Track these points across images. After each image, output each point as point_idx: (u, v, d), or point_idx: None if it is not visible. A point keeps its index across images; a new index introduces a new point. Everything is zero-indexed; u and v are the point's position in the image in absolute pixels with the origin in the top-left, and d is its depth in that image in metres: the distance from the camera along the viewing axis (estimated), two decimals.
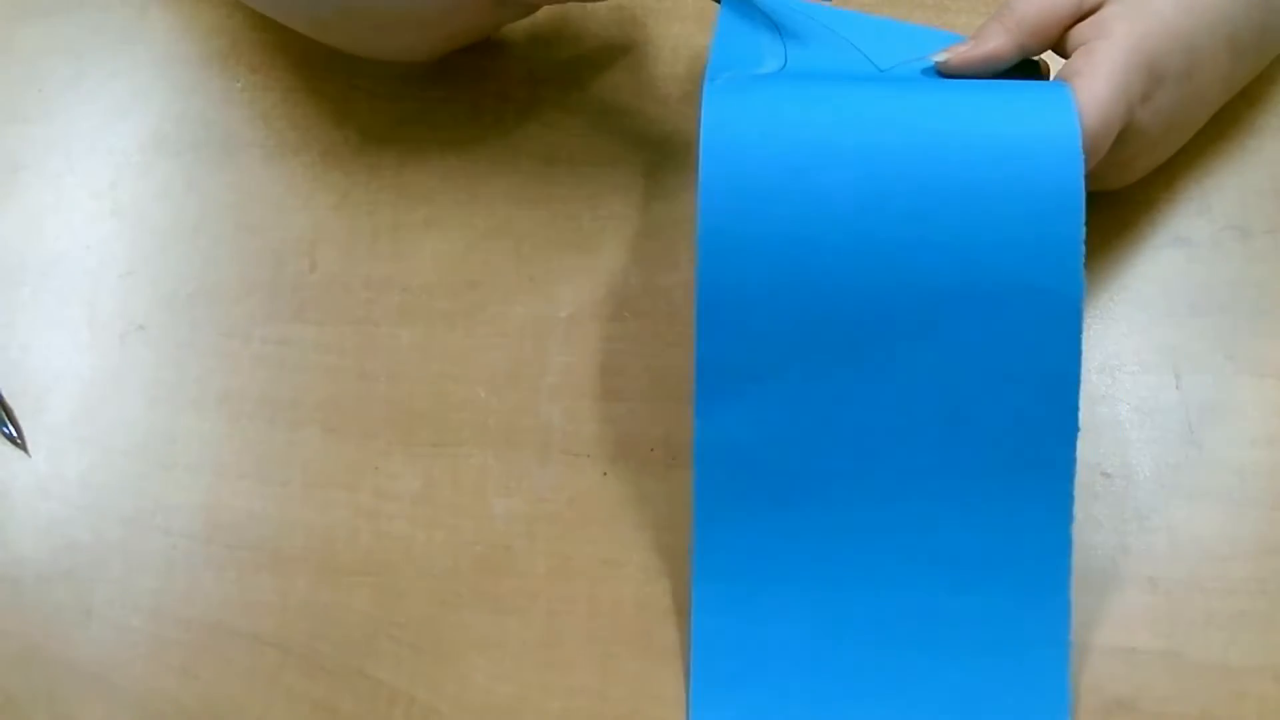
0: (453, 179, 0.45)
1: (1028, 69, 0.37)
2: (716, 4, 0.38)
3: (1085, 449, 0.38)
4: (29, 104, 0.48)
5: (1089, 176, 0.31)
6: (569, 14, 0.46)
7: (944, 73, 0.35)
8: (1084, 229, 0.31)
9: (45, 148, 0.47)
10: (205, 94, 0.47)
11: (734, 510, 0.34)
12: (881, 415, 0.33)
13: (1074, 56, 0.35)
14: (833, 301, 0.32)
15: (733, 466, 0.34)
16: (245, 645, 0.39)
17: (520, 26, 0.46)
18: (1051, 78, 0.36)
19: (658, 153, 0.44)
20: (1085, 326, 0.39)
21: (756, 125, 0.32)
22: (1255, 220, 0.40)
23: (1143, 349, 0.39)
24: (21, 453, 0.42)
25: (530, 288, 0.42)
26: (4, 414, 0.43)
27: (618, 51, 0.46)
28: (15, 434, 0.42)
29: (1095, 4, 0.35)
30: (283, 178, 0.45)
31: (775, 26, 0.37)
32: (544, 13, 0.46)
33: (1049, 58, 0.38)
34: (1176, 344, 0.39)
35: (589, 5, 0.39)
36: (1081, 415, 0.38)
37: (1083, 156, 0.31)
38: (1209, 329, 0.39)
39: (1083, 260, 0.31)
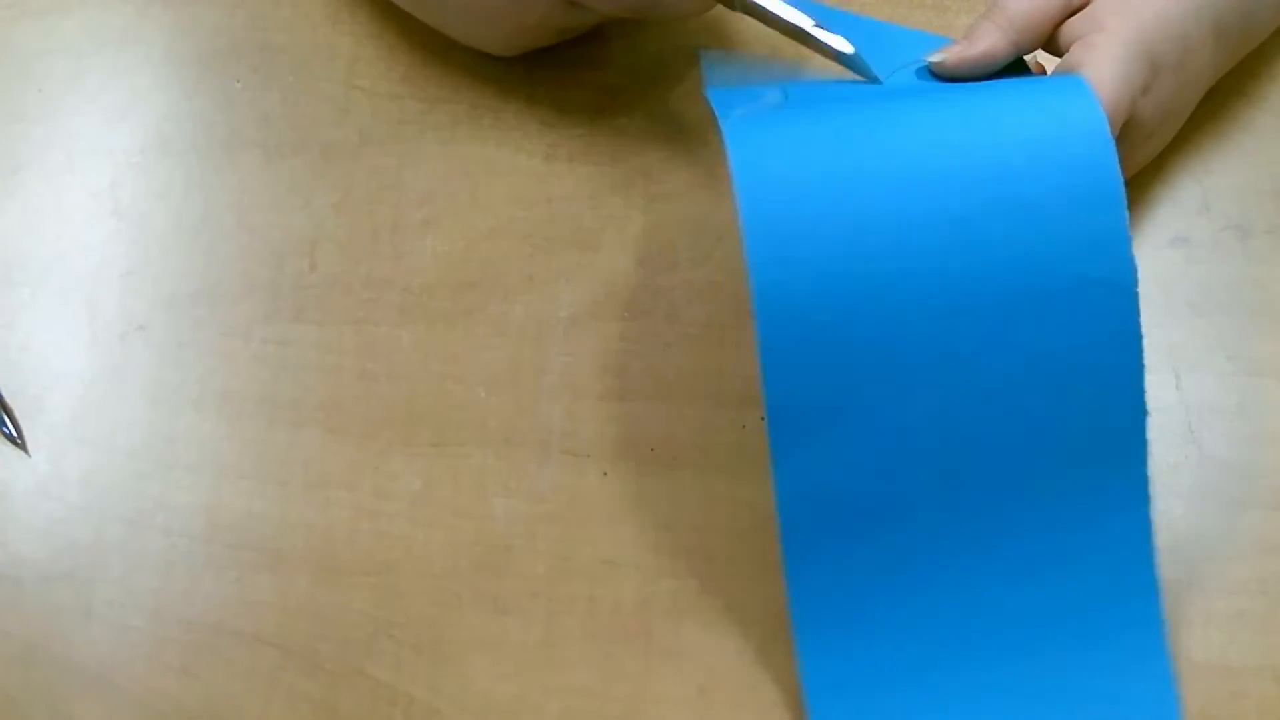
0: (453, 179, 0.45)
1: (1018, 68, 0.37)
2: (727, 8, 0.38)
3: None
4: (29, 104, 0.48)
5: None
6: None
7: (940, 74, 0.35)
8: (1127, 213, 0.31)
9: (45, 148, 0.47)
10: (205, 94, 0.47)
11: (822, 551, 0.34)
12: (956, 430, 0.32)
13: (1072, 50, 0.35)
14: (892, 326, 0.31)
15: (815, 509, 0.33)
16: (245, 645, 0.39)
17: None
18: (1049, 74, 0.36)
19: (658, 153, 0.44)
20: None
21: (786, 161, 0.31)
22: (1255, 220, 0.40)
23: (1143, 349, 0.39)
24: (21, 453, 0.42)
25: (530, 288, 0.42)
26: (4, 414, 0.43)
27: (617, 51, 0.46)
28: (15, 434, 0.42)
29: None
30: (283, 178, 0.45)
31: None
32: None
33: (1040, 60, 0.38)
34: (1176, 344, 0.39)
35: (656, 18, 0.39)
36: None
37: (1113, 140, 0.31)
38: (1209, 329, 0.39)
39: (1130, 245, 0.31)
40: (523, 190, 0.44)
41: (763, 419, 0.39)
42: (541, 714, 0.37)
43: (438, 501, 0.40)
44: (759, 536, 0.38)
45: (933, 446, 0.33)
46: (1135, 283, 0.31)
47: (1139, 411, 0.32)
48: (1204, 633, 0.36)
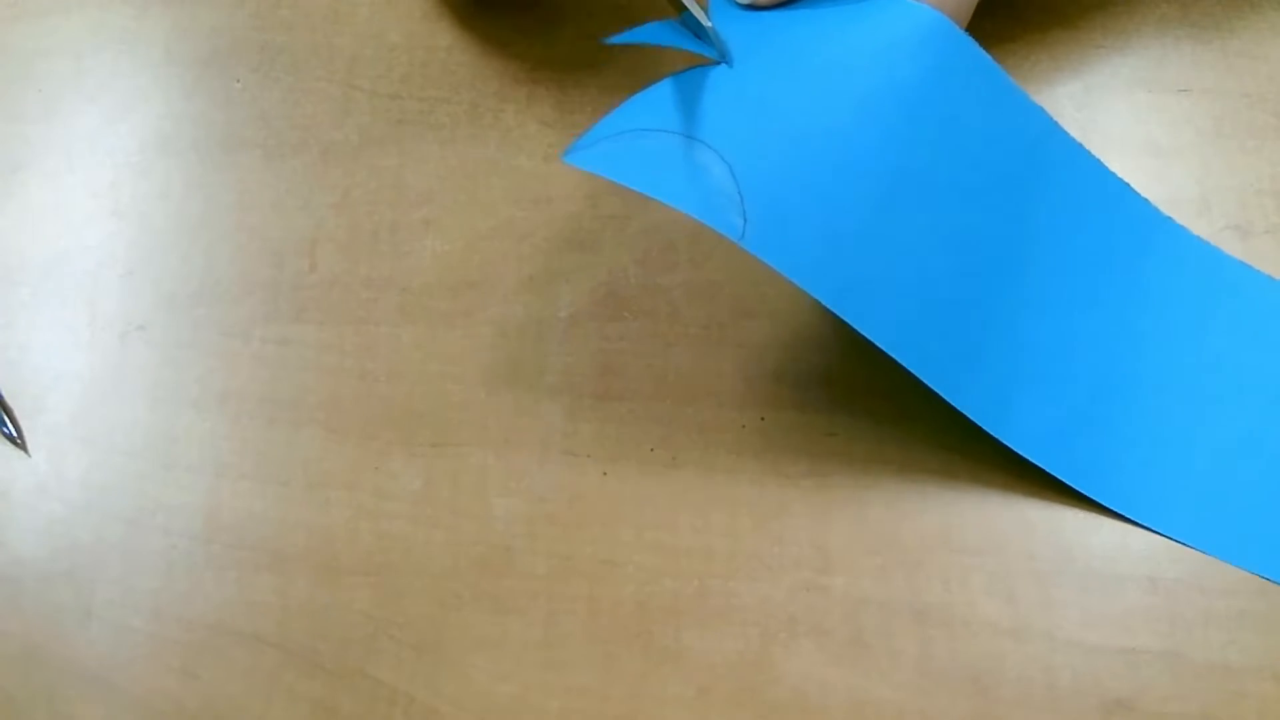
0: (453, 179, 0.45)
1: None
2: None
3: None
4: (29, 104, 0.48)
5: None
6: (566, 9, 0.46)
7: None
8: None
9: (45, 148, 0.47)
10: (205, 94, 0.47)
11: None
12: (984, 253, 0.37)
13: None
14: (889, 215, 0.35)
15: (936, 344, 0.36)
16: (245, 645, 0.39)
17: (518, 25, 0.46)
18: None
19: None
20: None
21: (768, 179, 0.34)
22: (1255, 220, 0.40)
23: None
24: (21, 453, 0.42)
25: (530, 288, 0.42)
26: (4, 414, 0.43)
27: (617, 50, 0.46)
28: (15, 434, 0.42)
29: None
30: (283, 178, 0.45)
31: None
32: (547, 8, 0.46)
33: None
34: None
35: None
36: None
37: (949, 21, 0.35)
38: None
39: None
40: (523, 190, 0.44)
41: (763, 419, 0.39)
42: (541, 714, 0.37)
43: (438, 501, 0.40)
44: (758, 536, 0.38)
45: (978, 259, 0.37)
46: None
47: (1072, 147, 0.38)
48: (1204, 633, 0.36)
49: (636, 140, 0.35)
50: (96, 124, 0.47)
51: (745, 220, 0.33)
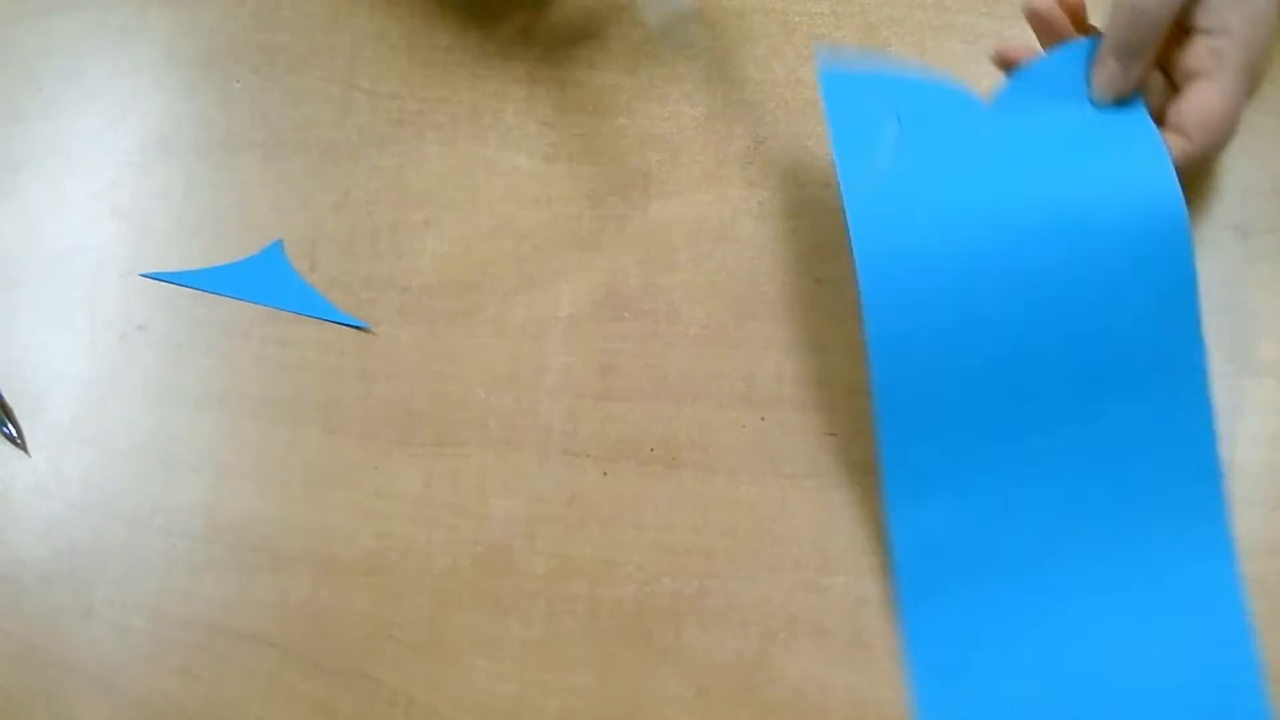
0: (453, 179, 0.45)
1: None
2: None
3: None
4: (29, 104, 0.48)
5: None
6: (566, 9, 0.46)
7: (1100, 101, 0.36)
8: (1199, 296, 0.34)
9: (45, 148, 0.47)
10: (205, 94, 0.47)
11: (934, 594, 0.36)
12: (1049, 491, 0.36)
13: (1198, 53, 0.34)
14: (994, 398, 0.35)
15: (927, 556, 0.36)
16: (245, 645, 0.39)
17: (518, 25, 0.46)
18: (1175, 70, 0.36)
19: (658, 152, 0.44)
20: None
21: (901, 237, 0.34)
22: (1255, 220, 0.40)
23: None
24: (21, 453, 0.42)
25: (530, 288, 0.42)
26: (4, 414, 0.43)
27: (617, 51, 0.46)
28: (15, 434, 0.42)
29: None
30: (283, 178, 0.45)
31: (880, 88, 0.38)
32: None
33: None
34: None
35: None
36: None
37: (1187, 220, 0.33)
38: (1209, 329, 0.39)
39: (1202, 327, 0.35)
40: (523, 190, 0.44)
41: (763, 419, 0.39)
42: (541, 714, 0.37)
43: (438, 501, 0.40)
44: (758, 536, 0.38)
45: (1029, 502, 0.36)
46: (1205, 365, 0.35)
47: (1215, 479, 0.36)
48: None
49: (873, 109, 0.36)
50: (96, 124, 0.47)
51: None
